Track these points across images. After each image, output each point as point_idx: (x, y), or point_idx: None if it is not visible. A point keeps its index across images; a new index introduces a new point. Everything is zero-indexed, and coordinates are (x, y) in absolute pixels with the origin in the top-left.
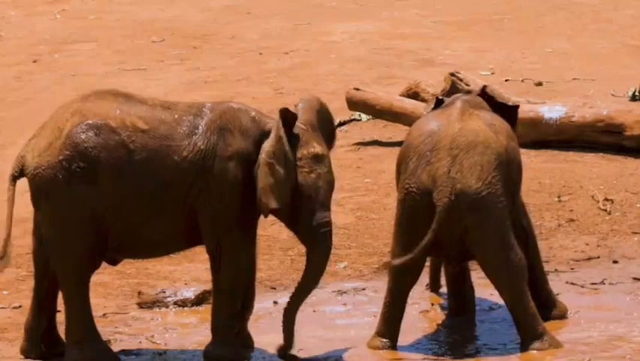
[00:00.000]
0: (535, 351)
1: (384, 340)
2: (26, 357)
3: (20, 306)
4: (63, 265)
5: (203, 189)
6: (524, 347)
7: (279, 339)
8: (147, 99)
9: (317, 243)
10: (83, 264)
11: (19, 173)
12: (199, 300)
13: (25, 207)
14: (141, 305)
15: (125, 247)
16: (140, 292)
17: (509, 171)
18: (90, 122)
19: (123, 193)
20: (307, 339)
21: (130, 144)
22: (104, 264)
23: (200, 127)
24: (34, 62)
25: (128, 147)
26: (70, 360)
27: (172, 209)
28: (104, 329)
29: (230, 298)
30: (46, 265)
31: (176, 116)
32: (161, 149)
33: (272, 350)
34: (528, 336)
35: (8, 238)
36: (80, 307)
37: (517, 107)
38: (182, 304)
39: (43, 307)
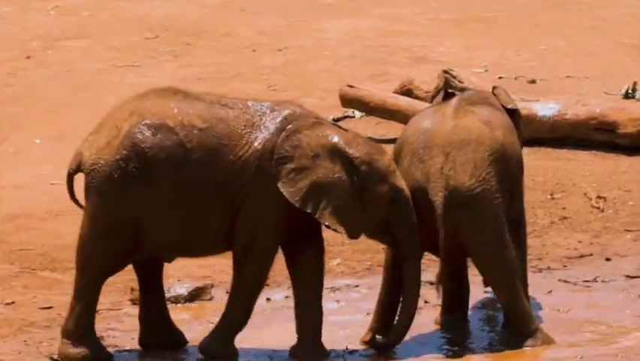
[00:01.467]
0: (528, 349)
1: (377, 337)
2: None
3: (13, 302)
4: (87, 260)
5: (254, 190)
6: (517, 344)
7: (272, 335)
8: (205, 96)
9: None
10: (107, 264)
11: (75, 169)
12: (192, 297)
13: (18, 204)
14: (134, 302)
15: (167, 247)
16: (133, 289)
17: (506, 167)
18: (148, 121)
19: (177, 193)
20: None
21: (187, 143)
22: None
23: (260, 127)
24: (28, 58)
25: (185, 147)
26: (64, 353)
27: (222, 209)
28: (97, 326)
29: (248, 301)
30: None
31: (234, 114)
32: (218, 148)
33: (266, 346)
34: (521, 334)
35: None
36: (87, 306)
37: (514, 110)
38: (174, 300)
39: (151, 298)
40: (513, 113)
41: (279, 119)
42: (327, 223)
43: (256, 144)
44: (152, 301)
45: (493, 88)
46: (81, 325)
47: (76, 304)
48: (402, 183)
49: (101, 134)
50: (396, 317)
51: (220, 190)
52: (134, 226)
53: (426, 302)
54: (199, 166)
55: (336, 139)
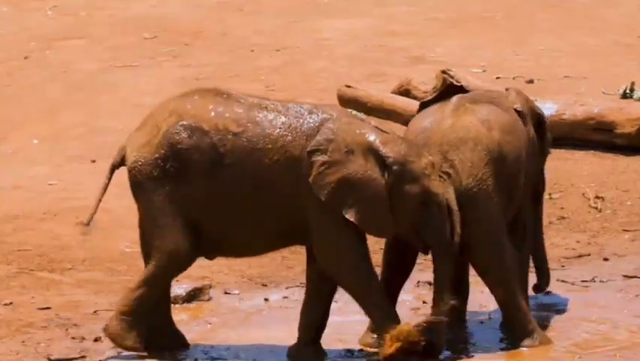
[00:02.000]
0: (525, 349)
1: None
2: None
3: (11, 303)
4: (154, 253)
5: (294, 193)
6: (515, 345)
7: (270, 335)
8: (247, 98)
9: None
10: (172, 258)
11: (119, 163)
12: (190, 297)
13: (16, 205)
14: None
15: (218, 247)
16: None
17: (504, 167)
18: (185, 123)
19: (214, 195)
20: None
21: (221, 147)
22: (94, 260)
23: (296, 130)
24: (26, 58)
25: (219, 150)
26: (112, 332)
27: (261, 212)
28: (95, 326)
29: (375, 300)
30: None
31: (271, 117)
32: (252, 152)
33: (264, 346)
34: (518, 334)
35: (96, 208)
36: (148, 297)
37: (518, 111)
38: (173, 301)
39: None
40: (523, 115)
41: (316, 122)
42: (353, 220)
43: (292, 148)
44: (160, 302)
45: (506, 89)
46: (137, 309)
47: (141, 287)
48: (436, 187)
49: (143, 132)
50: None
51: (256, 193)
52: (185, 222)
53: (424, 303)
54: (233, 170)
55: (372, 137)
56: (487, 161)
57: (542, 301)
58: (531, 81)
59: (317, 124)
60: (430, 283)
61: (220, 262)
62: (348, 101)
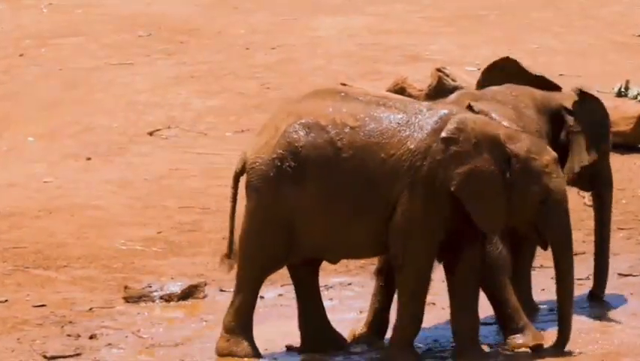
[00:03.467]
0: (519, 346)
1: (372, 333)
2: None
3: (6, 300)
4: (247, 256)
5: (407, 190)
6: (507, 341)
7: (264, 333)
8: (366, 95)
9: None
10: (265, 261)
11: (241, 170)
12: (185, 295)
13: (11, 202)
14: (127, 300)
15: (321, 248)
16: (126, 287)
17: None
18: (302, 121)
19: (330, 192)
20: (294, 333)
21: (338, 141)
22: (89, 258)
23: (413, 126)
24: (21, 55)
25: (336, 145)
26: (220, 346)
27: (375, 209)
28: (90, 324)
29: (412, 304)
30: None
31: (388, 113)
32: (368, 146)
33: (259, 344)
34: (510, 331)
35: (231, 235)
36: (245, 301)
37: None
38: (168, 298)
39: (309, 300)
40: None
41: (434, 118)
42: (470, 212)
43: (409, 143)
44: (309, 304)
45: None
46: (238, 320)
47: (235, 298)
48: (556, 185)
49: (262, 136)
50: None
51: (371, 189)
52: (288, 225)
53: None
54: (349, 165)
55: (498, 132)
56: None
57: (537, 299)
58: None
59: (436, 120)
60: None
61: (215, 259)
62: None
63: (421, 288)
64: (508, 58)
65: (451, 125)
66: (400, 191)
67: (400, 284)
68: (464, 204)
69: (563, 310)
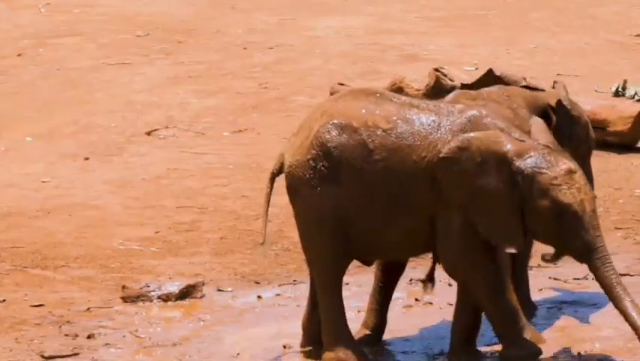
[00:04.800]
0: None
1: (370, 333)
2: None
3: (4, 300)
4: (312, 262)
5: (439, 192)
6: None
7: (263, 333)
8: (401, 97)
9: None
10: (330, 262)
11: (278, 170)
12: (183, 294)
13: (9, 202)
14: (125, 299)
15: (369, 248)
16: (124, 287)
17: None
18: (335, 122)
19: (364, 193)
20: (292, 333)
21: (370, 143)
22: (87, 258)
23: (444, 128)
24: (19, 55)
25: (368, 147)
26: (324, 357)
27: (409, 210)
28: (88, 323)
29: (497, 301)
30: None
31: (421, 115)
32: (400, 148)
33: (257, 343)
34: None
35: (265, 226)
36: (330, 306)
37: (561, 105)
38: (166, 298)
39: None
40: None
41: (462, 120)
42: (482, 232)
43: (439, 145)
44: (384, 304)
45: (555, 82)
46: (332, 328)
47: (322, 307)
48: (567, 197)
49: (298, 136)
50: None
51: (403, 191)
52: (336, 222)
53: (416, 300)
54: (381, 166)
55: (507, 148)
56: None
57: (535, 299)
58: (524, 79)
59: (461, 123)
60: (422, 281)
61: (213, 259)
62: None
63: (497, 284)
64: (490, 70)
65: (453, 144)
66: (433, 194)
67: (476, 299)
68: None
69: (625, 316)
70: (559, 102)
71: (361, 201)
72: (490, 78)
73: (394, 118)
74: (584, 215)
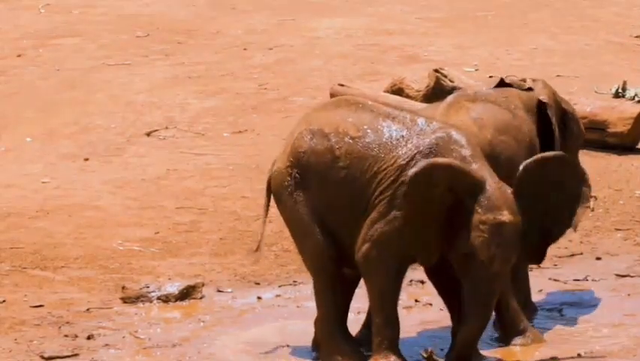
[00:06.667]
0: (517, 347)
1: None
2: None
3: (4, 301)
4: (306, 263)
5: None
6: (507, 343)
7: (262, 334)
8: (381, 107)
9: None
10: (320, 264)
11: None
12: (183, 295)
13: (9, 203)
14: (125, 300)
15: (346, 256)
16: (123, 287)
17: (496, 167)
18: (310, 128)
19: (328, 200)
20: (291, 334)
21: (337, 149)
22: (87, 258)
23: (411, 145)
24: (19, 56)
25: (334, 153)
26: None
27: (360, 221)
28: (88, 324)
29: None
30: None
31: (393, 127)
32: (364, 157)
33: (256, 344)
34: (510, 333)
35: (262, 233)
36: (325, 306)
37: (543, 103)
38: (165, 299)
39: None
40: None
41: (430, 140)
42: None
43: (400, 160)
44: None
45: (533, 80)
46: (325, 325)
47: (316, 304)
48: (481, 246)
49: (285, 142)
50: None
51: (361, 201)
52: (318, 229)
53: (416, 301)
54: (344, 174)
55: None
56: None
57: (535, 300)
58: (524, 80)
59: (433, 144)
60: (422, 282)
61: (213, 260)
62: None
63: (491, 290)
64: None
65: (415, 169)
66: (380, 205)
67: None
68: None
69: None
70: (540, 102)
71: (328, 208)
72: (502, 87)
73: (365, 127)
74: (489, 268)
